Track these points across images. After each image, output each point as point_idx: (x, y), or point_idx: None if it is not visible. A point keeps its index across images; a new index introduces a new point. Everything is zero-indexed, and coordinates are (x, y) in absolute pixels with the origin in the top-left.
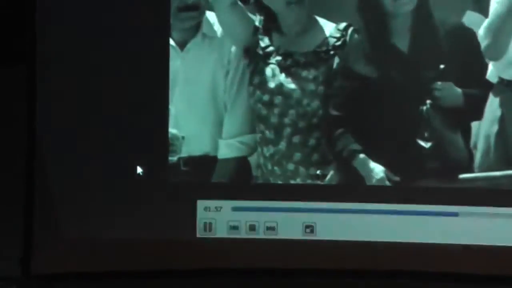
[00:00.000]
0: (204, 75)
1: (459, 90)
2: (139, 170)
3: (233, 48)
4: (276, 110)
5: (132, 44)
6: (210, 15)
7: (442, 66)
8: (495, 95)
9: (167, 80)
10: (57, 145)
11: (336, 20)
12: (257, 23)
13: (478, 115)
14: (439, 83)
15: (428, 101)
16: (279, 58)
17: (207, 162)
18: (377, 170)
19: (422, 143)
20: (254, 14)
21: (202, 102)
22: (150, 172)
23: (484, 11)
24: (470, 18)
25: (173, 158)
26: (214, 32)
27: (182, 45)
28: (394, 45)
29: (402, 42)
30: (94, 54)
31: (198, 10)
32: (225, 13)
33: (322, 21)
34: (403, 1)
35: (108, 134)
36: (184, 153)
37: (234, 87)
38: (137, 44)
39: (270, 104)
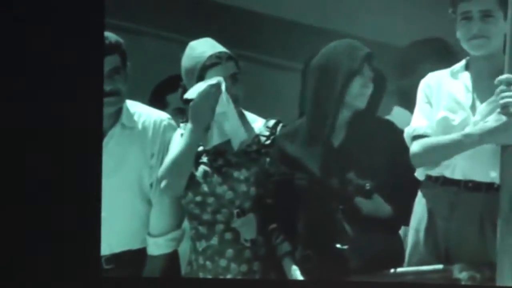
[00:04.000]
0: (125, 168)
1: (387, 206)
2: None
3: (158, 144)
4: (209, 209)
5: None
6: (131, 105)
7: (372, 168)
8: (424, 191)
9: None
10: None
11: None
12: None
13: (406, 223)
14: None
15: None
16: (211, 157)
17: (135, 258)
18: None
19: (341, 245)
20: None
21: (125, 196)
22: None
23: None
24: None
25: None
26: (134, 122)
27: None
28: (330, 141)
29: (337, 137)
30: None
31: (117, 96)
32: None
33: (250, 117)
34: (364, 96)
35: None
36: (107, 251)
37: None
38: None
39: (203, 204)
